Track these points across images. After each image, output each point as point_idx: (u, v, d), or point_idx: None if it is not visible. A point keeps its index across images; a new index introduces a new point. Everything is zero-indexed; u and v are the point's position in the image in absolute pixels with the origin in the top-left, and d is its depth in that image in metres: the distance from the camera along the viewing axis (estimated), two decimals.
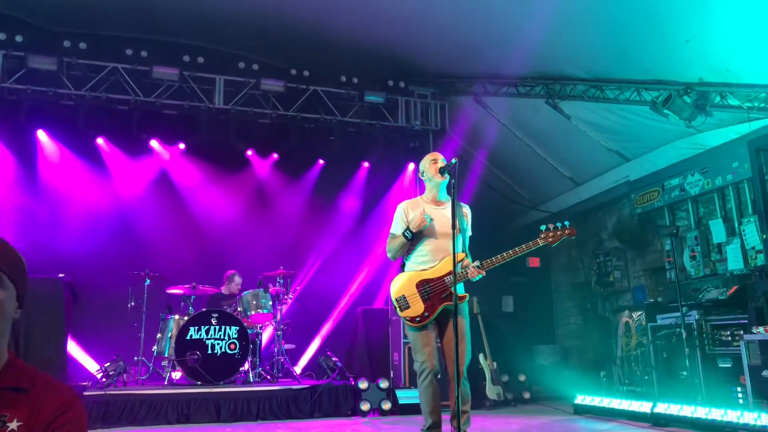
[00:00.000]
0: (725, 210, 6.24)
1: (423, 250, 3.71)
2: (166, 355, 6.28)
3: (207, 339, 5.98)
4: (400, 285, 3.70)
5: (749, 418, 4.05)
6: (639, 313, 6.89)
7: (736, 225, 5.99)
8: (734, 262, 5.88)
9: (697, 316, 5.53)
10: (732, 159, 5.93)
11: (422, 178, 3.91)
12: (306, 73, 7.63)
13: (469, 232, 3.86)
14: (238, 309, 6.51)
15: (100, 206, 7.78)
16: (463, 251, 3.70)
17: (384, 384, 6.09)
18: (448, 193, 3.79)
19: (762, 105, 5.52)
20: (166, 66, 7.08)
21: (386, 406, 5.98)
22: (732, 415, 4.19)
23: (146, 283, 6.59)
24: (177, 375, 6.22)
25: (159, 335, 6.43)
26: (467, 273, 3.55)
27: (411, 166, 8.48)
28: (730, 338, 5.17)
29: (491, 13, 6.18)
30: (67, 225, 7.51)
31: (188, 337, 5.94)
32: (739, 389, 4.95)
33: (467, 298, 3.71)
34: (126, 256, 7.33)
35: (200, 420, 5.41)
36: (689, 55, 5.49)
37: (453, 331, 3.42)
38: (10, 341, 1.36)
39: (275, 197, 8.65)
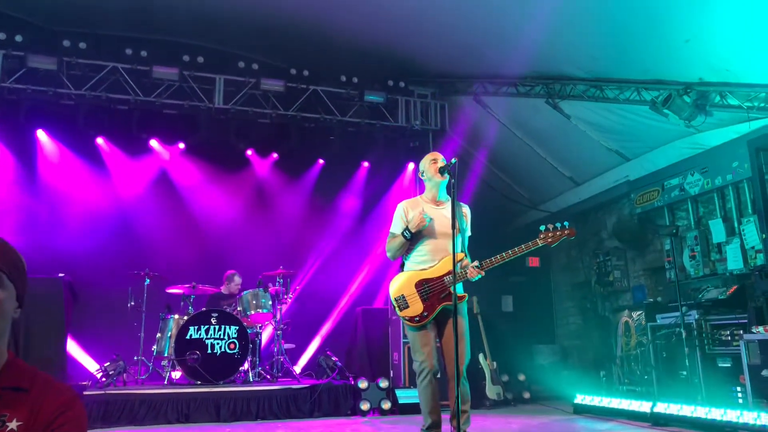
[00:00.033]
0: (725, 210, 6.24)
1: (422, 249, 3.71)
2: (166, 355, 6.29)
3: (207, 339, 5.98)
4: (399, 285, 3.70)
5: (749, 417, 4.06)
6: (639, 312, 6.89)
7: (736, 225, 5.99)
8: (734, 262, 5.88)
9: (696, 316, 5.53)
10: (732, 159, 5.93)
11: (422, 178, 3.92)
12: (306, 72, 7.64)
13: (469, 232, 3.87)
14: (238, 309, 6.51)
15: (100, 206, 7.78)
16: (462, 251, 3.71)
17: (384, 383, 6.09)
18: (448, 192, 3.79)
19: (762, 105, 5.52)
20: (165, 66, 7.08)
21: (386, 405, 5.98)
22: (731, 415, 4.20)
23: (146, 283, 6.59)
24: (177, 375, 6.22)
25: (159, 335, 6.43)
26: (466, 273, 3.56)
27: (411, 165, 8.48)
28: (729, 338, 5.17)
29: (491, 13, 6.18)
30: (66, 225, 7.51)
31: (188, 337, 5.94)
32: (738, 389, 4.95)
33: (466, 298, 3.71)
34: (126, 256, 7.33)
35: (200, 420, 5.41)
36: (689, 55, 5.49)
37: (452, 331, 3.43)
38: (9, 341, 1.36)
39: (275, 197, 8.65)
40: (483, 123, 8.15)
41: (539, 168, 8.31)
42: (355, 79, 7.77)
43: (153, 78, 7.06)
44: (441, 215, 3.72)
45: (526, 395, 7.05)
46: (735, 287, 5.52)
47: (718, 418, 4.28)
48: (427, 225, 3.66)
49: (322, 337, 8.35)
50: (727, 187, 6.15)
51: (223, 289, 7.19)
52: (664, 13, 5.16)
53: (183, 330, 5.96)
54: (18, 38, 6.67)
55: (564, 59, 6.54)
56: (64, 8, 7.19)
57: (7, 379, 1.30)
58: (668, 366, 5.81)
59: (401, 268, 3.85)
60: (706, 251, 6.33)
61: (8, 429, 1.24)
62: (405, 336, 6.34)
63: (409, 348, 5.55)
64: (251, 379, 6.31)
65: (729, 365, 5.13)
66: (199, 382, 5.81)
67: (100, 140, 7.76)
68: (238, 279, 7.27)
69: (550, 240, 3.61)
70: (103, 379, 5.75)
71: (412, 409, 5.65)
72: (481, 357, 6.61)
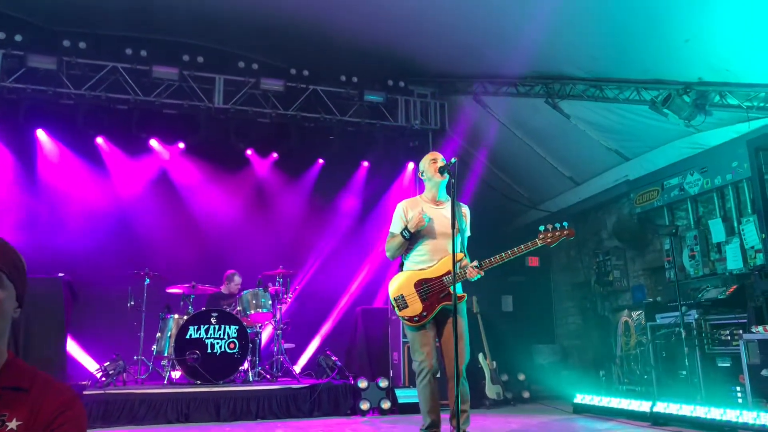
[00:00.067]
0: (724, 209, 6.25)
1: (422, 249, 3.71)
2: (166, 355, 6.29)
3: (206, 338, 5.98)
4: (398, 284, 3.70)
5: (748, 417, 4.06)
6: (638, 312, 6.90)
7: (736, 224, 5.99)
8: (733, 262, 5.88)
9: (696, 316, 5.53)
10: (731, 158, 5.93)
11: (422, 178, 3.92)
12: (306, 72, 7.63)
13: (468, 233, 3.87)
14: (238, 308, 6.52)
15: (100, 205, 7.78)
16: (461, 251, 3.71)
17: (383, 383, 6.09)
18: (448, 192, 3.79)
19: (761, 104, 5.52)
20: (165, 65, 7.08)
21: (385, 405, 5.98)
22: (731, 414, 4.20)
23: (146, 283, 6.59)
24: (176, 374, 6.22)
25: (158, 334, 6.43)
26: (465, 273, 3.56)
27: (411, 165, 8.48)
28: (729, 337, 5.17)
29: (491, 13, 6.18)
30: (66, 224, 7.50)
31: (188, 337, 5.94)
32: (738, 388, 4.96)
33: (465, 298, 3.71)
34: (125, 256, 7.33)
35: (200, 419, 5.41)
36: (689, 55, 5.49)
37: (452, 331, 3.43)
38: (9, 341, 1.36)
39: (275, 197, 8.65)
40: (483, 123, 8.15)
41: (539, 168, 8.31)
42: (355, 79, 7.76)
43: (153, 78, 7.06)
44: (440, 215, 3.72)
45: (526, 395, 7.05)
46: (734, 287, 5.52)
47: (718, 417, 4.29)
48: (427, 225, 3.66)
49: (321, 337, 8.35)
50: (726, 187, 6.15)
51: (223, 289, 7.20)
52: (663, 13, 5.17)
53: (183, 330, 5.97)
54: (18, 38, 6.67)
55: (564, 59, 6.54)
56: (64, 8, 7.19)
57: (7, 379, 1.30)
58: (668, 366, 5.81)
59: (400, 267, 3.85)
60: (706, 251, 6.34)
61: (8, 429, 1.24)
62: (405, 336, 6.34)
63: (408, 348, 5.56)
64: (251, 379, 6.31)
65: (728, 365, 5.14)
66: (198, 382, 5.81)
67: (99, 140, 7.76)
68: (237, 279, 7.27)
69: (549, 240, 3.61)
70: (103, 378, 5.76)
71: (411, 408, 5.65)
72: (480, 357, 6.61)
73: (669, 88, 5.79)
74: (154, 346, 6.39)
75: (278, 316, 6.77)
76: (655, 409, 4.86)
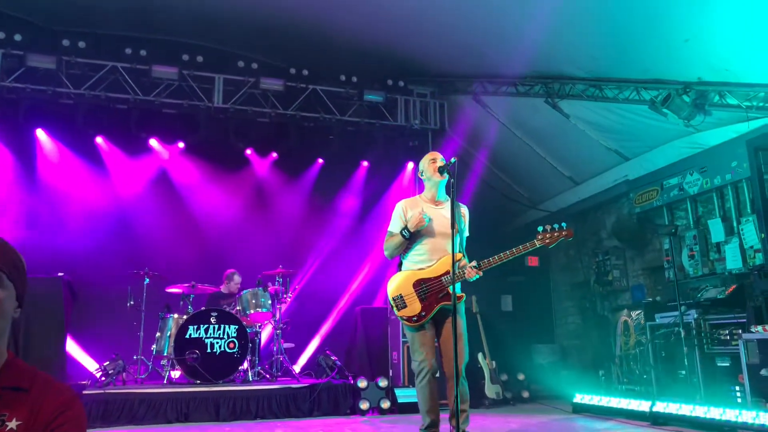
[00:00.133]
0: (724, 209, 6.25)
1: (421, 249, 3.71)
2: (166, 354, 6.29)
3: (206, 338, 5.98)
4: (397, 284, 3.70)
5: (747, 416, 4.06)
6: (638, 312, 6.90)
7: (735, 224, 6.00)
8: (733, 262, 5.89)
9: (695, 315, 5.53)
10: (731, 158, 5.94)
11: (421, 178, 3.92)
12: (305, 72, 7.64)
13: (467, 233, 3.87)
14: (238, 308, 6.52)
15: (100, 205, 7.78)
16: (460, 251, 3.71)
17: (383, 383, 6.10)
18: (447, 192, 3.79)
19: (761, 104, 5.52)
20: (165, 65, 7.09)
21: (385, 405, 5.99)
22: (730, 414, 4.20)
23: (145, 282, 6.59)
24: (176, 374, 6.22)
25: (158, 334, 6.43)
26: (464, 273, 3.56)
27: (410, 165, 8.49)
28: (728, 337, 5.18)
29: (491, 13, 6.18)
30: (66, 224, 7.50)
31: (187, 336, 5.94)
32: (737, 388, 4.96)
33: (464, 298, 3.71)
34: (125, 255, 7.33)
35: (199, 419, 5.41)
36: (688, 55, 5.49)
37: (451, 331, 3.43)
38: (9, 341, 1.36)
39: (274, 196, 8.65)
40: (482, 122, 8.15)
41: (539, 167, 8.31)
42: (355, 79, 7.77)
43: (152, 77, 7.06)
44: (440, 215, 3.73)
45: (525, 394, 7.05)
46: (734, 287, 5.53)
47: (717, 417, 4.29)
48: (426, 225, 3.67)
49: (321, 337, 8.36)
50: (726, 187, 6.15)
51: (223, 289, 7.20)
52: (663, 13, 5.17)
53: (182, 329, 5.97)
54: (17, 37, 6.67)
55: (564, 59, 6.54)
56: (64, 8, 7.19)
57: (7, 379, 1.30)
58: (667, 365, 5.82)
59: (399, 267, 3.85)
60: (705, 251, 6.34)
61: (8, 429, 1.24)
62: (404, 335, 6.34)
63: (408, 347, 5.57)
64: (250, 379, 6.31)
65: (728, 364, 5.14)
66: (198, 382, 5.81)
67: (99, 139, 7.76)
68: (237, 278, 7.27)
69: (548, 241, 3.61)
70: (103, 378, 5.76)
71: (411, 408, 5.65)
72: (480, 356, 6.62)
73: (668, 87, 5.80)
74: (154, 346, 6.39)
75: (278, 315, 6.77)
76: (654, 409, 4.86)
